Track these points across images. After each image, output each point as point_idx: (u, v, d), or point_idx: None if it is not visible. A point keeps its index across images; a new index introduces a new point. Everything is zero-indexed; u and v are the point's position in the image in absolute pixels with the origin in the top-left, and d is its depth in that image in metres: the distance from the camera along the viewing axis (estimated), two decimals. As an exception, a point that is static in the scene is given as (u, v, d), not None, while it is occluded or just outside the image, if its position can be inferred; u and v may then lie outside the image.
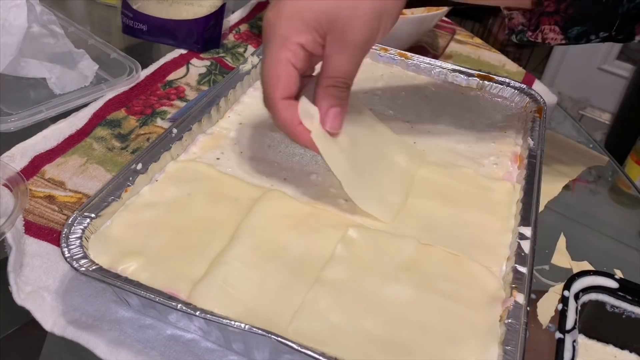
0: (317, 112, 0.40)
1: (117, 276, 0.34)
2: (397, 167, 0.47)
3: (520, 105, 0.58)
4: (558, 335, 0.36)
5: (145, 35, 0.67)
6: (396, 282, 0.37)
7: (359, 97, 0.57)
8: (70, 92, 0.57)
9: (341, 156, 0.41)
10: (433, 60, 0.61)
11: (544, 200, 0.53)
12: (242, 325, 0.31)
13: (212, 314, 0.32)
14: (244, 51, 0.71)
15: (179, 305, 0.32)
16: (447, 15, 0.83)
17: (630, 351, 0.41)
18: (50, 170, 0.48)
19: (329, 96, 0.40)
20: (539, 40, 0.45)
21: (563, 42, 0.44)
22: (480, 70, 0.61)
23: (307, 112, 0.40)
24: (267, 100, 0.40)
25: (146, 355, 0.35)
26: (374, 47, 0.62)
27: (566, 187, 0.57)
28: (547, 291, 0.44)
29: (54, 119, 0.54)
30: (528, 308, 0.35)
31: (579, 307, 0.38)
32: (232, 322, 0.31)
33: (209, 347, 0.36)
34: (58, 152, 0.50)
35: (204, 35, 0.67)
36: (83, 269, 0.34)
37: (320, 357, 0.30)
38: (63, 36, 0.58)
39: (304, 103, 0.40)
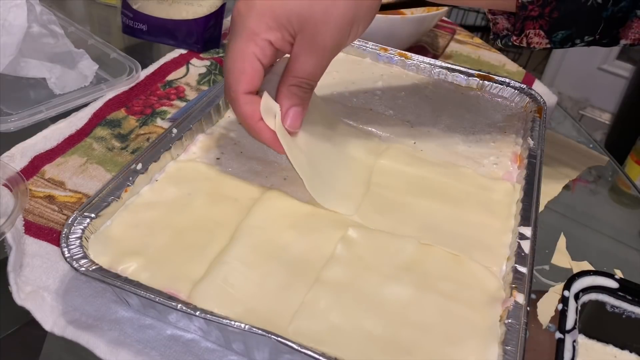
0: (279, 109, 0.40)
1: (117, 276, 0.34)
2: (355, 160, 0.47)
3: (520, 105, 0.58)
4: (558, 335, 0.36)
5: (145, 35, 0.67)
6: (396, 282, 0.37)
7: (359, 97, 0.57)
8: (70, 92, 0.57)
9: (302, 154, 0.42)
10: (433, 60, 0.61)
11: (544, 200, 0.53)
12: (242, 325, 0.31)
13: (212, 314, 0.32)
14: (244, 51, 0.71)
15: (179, 305, 0.32)
16: (447, 15, 0.83)
17: (630, 351, 0.41)
18: (50, 170, 0.48)
19: (292, 95, 0.40)
20: (524, 44, 0.44)
21: (548, 46, 0.44)
22: (480, 70, 0.61)
23: (270, 109, 0.40)
24: (229, 93, 0.39)
25: (146, 355, 0.35)
26: (374, 47, 0.63)
27: (566, 187, 0.57)
28: (547, 291, 0.44)
29: (54, 119, 0.54)
30: (528, 308, 0.35)
31: (579, 307, 0.38)
32: (232, 322, 0.31)
33: (209, 347, 0.36)
34: (58, 152, 0.50)
35: (204, 35, 0.67)
36: (83, 269, 0.34)
37: (320, 357, 0.30)
38: (63, 36, 0.58)
39: (267, 100, 0.40)
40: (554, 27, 0.43)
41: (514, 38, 0.45)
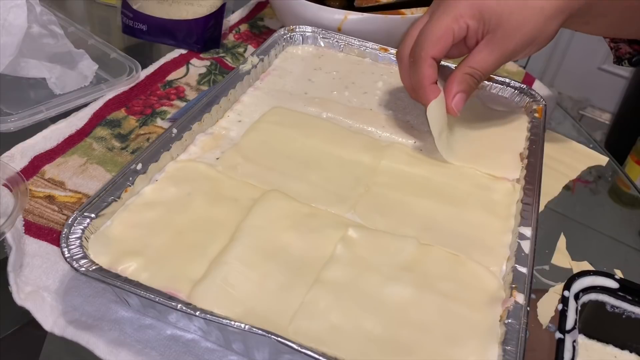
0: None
1: (117, 276, 0.34)
2: (355, 160, 0.48)
3: (520, 105, 0.58)
4: (558, 335, 0.36)
5: (145, 35, 0.67)
6: (396, 282, 0.37)
7: (359, 97, 0.57)
8: (70, 92, 0.57)
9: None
10: (433, 60, 0.61)
11: (544, 200, 0.53)
12: (242, 325, 0.31)
13: (212, 314, 0.32)
14: (244, 51, 0.71)
15: (179, 305, 0.32)
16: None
17: (630, 351, 0.41)
18: (50, 170, 0.48)
19: (464, 81, 0.47)
20: None
21: None
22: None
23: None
24: (419, 53, 0.46)
25: (146, 355, 0.35)
26: (374, 47, 0.63)
27: (566, 187, 0.57)
28: (547, 291, 0.44)
29: (54, 119, 0.54)
30: (528, 308, 0.35)
31: (579, 307, 0.38)
32: (232, 322, 0.31)
33: (209, 347, 0.36)
34: (58, 152, 0.50)
35: (204, 35, 0.67)
36: (83, 269, 0.34)
37: (320, 357, 0.30)
38: (63, 36, 0.58)
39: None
40: None
41: None
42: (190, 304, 0.33)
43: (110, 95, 0.58)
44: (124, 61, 0.62)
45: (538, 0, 0.44)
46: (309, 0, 0.64)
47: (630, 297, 0.39)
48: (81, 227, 0.37)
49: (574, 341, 0.36)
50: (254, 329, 0.31)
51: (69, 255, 0.34)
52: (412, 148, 0.51)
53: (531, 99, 0.57)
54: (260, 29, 0.77)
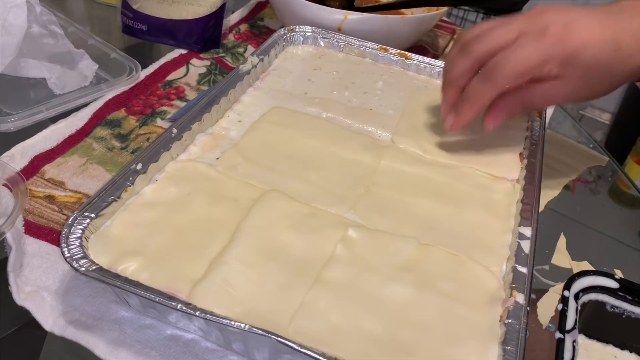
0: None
1: (117, 276, 0.34)
2: (355, 161, 0.48)
3: (520, 105, 0.58)
4: (558, 335, 0.36)
5: (145, 35, 0.67)
6: (396, 282, 0.37)
7: (359, 97, 0.57)
8: (70, 92, 0.57)
9: None
10: (433, 60, 0.61)
11: (544, 200, 0.53)
12: (242, 325, 0.31)
13: (212, 314, 0.32)
14: (244, 51, 0.71)
15: (179, 305, 0.32)
16: (447, 16, 0.82)
17: (630, 351, 0.41)
18: (50, 170, 0.48)
19: (514, 111, 0.46)
20: None
21: None
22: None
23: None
24: (496, 77, 0.43)
25: (146, 355, 0.35)
26: (374, 47, 0.63)
27: (566, 187, 0.57)
28: (547, 291, 0.44)
29: (54, 119, 0.54)
30: (528, 308, 0.35)
31: (579, 307, 0.38)
32: (232, 322, 0.31)
33: (209, 347, 0.36)
34: (58, 152, 0.50)
35: (204, 35, 0.67)
36: (83, 269, 0.34)
37: (320, 357, 0.30)
38: (63, 36, 0.58)
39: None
40: None
41: None
42: (190, 304, 0.32)
43: (110, 95, 0.58)
44: (124, 61, 0.62)
45: (619, 77, 0.43)
46: (309, 0, 0.65)
47: (630, 297, 0.39)
48: (81, 227, 0.37)
49: (574, 341, 0.36)
50: (254, 329, 0.31)
51: (69, 255, 0.34)
52: (412, 148, 0.51)
53: (531, 99, 0.57)
54: (260, 29, 0.77)
